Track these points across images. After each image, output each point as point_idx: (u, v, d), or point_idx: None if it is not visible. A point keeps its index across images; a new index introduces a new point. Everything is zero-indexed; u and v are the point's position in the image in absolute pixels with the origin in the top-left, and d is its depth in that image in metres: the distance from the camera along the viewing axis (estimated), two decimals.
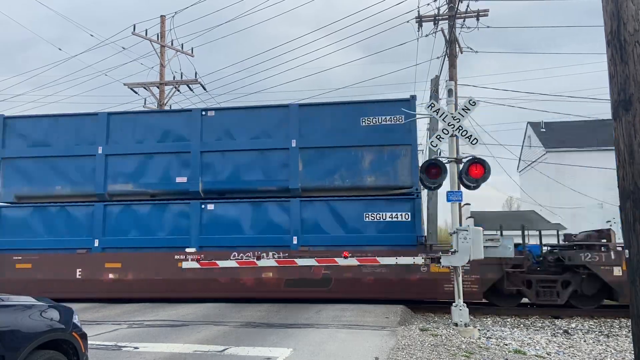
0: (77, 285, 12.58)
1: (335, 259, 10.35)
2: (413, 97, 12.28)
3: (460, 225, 9.28)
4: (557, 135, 34.89)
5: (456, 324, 8.92)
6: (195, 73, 23.01)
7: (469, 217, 9.31)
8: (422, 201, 13.51)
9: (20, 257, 12.85)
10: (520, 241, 11.95)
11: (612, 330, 9.84)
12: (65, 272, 12.61)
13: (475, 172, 9.21)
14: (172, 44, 23.12)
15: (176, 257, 12.19)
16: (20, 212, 13.28)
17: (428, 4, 44.66)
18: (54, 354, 4.15)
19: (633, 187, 4.50)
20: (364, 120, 12.33)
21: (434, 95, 19.65)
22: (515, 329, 9.71)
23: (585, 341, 8.60)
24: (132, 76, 39.77)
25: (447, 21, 19.67)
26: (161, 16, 22.93)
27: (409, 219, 11.74)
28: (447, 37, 19.50)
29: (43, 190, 13.36)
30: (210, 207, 12.59)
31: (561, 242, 12.77)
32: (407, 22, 20.44)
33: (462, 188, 9.52)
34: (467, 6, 19.51)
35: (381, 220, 11.88)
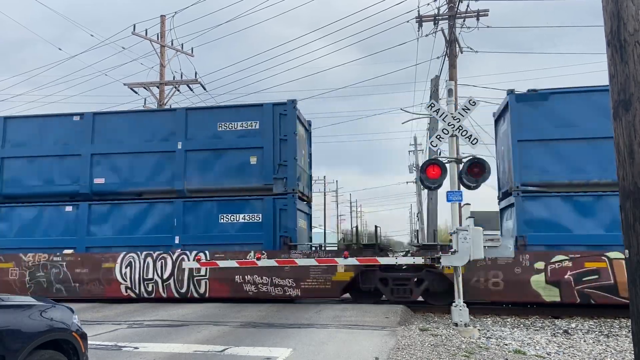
0: None
1: (336, 259, 10.32)
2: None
3: (460, 225, 9.27)
4: None
5: (456, 324, 8.91)
6: (195, 73, 23.10)
7: (469, 217, 9.27)
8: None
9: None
10: None
11: (612, 330, 9.83)
12: None
13: (475, 172, 9.20)
14: (172, 44, 23.13)
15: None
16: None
17: (428, 4, 44.68)
18: (54, 354, 4.15)
19: (633, 187, 4.49)
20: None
21: (434, 95, 19.67)
22: (515, 329, 9.70)
23: (585, 341, 8.59)
24: (132, 76, 39.84)
25: (447, 21, 19.68)
26: (161, 16, 22.94)
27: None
28: (447, 37, 19.51)
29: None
30: None
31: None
32: (407, 22, 20.48)
33: (462, 188, 9.52)
34: (467, 6, 19.54)
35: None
